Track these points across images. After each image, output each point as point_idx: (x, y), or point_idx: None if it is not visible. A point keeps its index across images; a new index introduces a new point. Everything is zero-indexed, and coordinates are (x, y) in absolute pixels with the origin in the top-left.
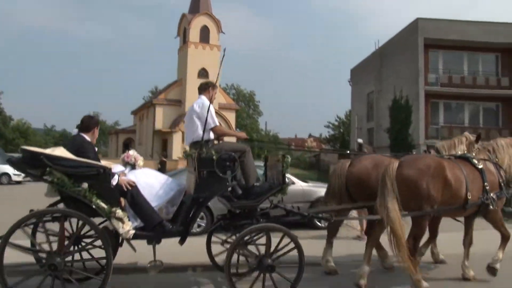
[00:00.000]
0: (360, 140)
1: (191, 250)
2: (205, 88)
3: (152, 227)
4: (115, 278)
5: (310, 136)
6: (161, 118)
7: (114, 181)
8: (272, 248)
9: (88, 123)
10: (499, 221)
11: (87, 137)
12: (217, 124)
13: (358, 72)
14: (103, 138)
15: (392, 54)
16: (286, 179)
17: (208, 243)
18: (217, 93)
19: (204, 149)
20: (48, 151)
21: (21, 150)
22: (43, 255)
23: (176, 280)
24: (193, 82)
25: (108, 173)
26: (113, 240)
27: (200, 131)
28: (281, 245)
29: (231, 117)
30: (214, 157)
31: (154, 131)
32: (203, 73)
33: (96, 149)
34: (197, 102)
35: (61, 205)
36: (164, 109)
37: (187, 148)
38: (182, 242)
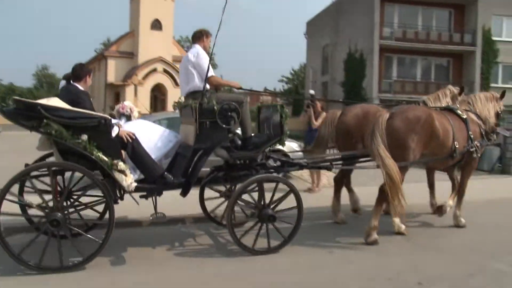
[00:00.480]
0: (311, 92)
1: (180, 202)
2: (199, 36)
3: (154, 180)
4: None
5: (265, 89)
6: (113, 71)
7: (113, 133)
8: (271, 199)
9: (79, 71)
10: (471, 173)
11: (80, 86)
12: (213, 74)
13: (314, 24)
14: (53, 91)
15: (348, 6)
16: (285, 129)
17: (201, 196)
18: (210, 41)
19: (206, 99)
20: (43, 101)
21: (14, 101)
22: (40, 212)
23: (169, 232)
24: (146, 34)
25: (109, 124)
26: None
27: (198, 81)
28: (277, 196)
29: None
30: (215, 107)
31: (106, 85)
32: (156, 24)
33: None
34: (192, 52)
35: (50, 159)
36: (116, 62)
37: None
38: (184, 194)
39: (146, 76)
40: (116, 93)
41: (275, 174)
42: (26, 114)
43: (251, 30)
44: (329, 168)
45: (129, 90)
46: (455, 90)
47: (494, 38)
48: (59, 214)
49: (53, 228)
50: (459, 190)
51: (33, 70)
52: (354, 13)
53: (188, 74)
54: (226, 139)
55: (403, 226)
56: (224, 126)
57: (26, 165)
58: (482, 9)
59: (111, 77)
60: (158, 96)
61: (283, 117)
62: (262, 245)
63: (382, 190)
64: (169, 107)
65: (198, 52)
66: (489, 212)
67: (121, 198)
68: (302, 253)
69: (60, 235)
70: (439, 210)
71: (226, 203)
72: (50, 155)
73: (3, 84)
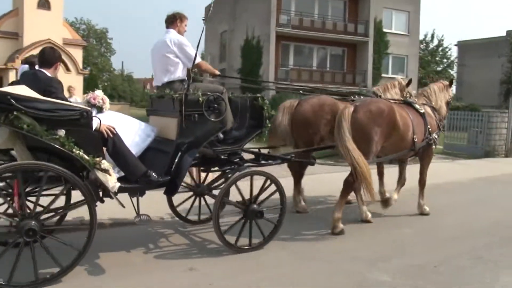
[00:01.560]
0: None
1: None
2: (172, 21)
3: (136, 178)
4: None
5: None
6: None
7: (94, 126)
8: (258, 195)
9: (50, 56)
10: (429, 163)
11: (48, 73)
12: (200, 59)
13: (212, 10)
14: None
15: None
16: (266, 122)
17: None
18: (185, 26)
19: (191, 90)
20: (8, 89)
21: None
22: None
23: (135, 232)
24: (31, 13)
25: (90, 117)
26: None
27: (180, 70)
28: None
29: (77, 54)
30: (201, 98)
31: None
32: (44, 3)
33: None
34: (170, 38)
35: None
36: None
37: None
38: (169, 193)
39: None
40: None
41: (260, 169)
42: None
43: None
44: (311, 163)
45: (12, 74)
46: (403, 81)
47: (384, 30)
48: (33, 221)
49: (29, 238)
50: (420, 181)
51: None
52: None
53: (167, 62)
54: (216, 133)
55: (369, 214)
56: (211, 119)
57: None
58: (374, 2)
59: None
60: None
61: (265, 109)
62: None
63: (347, 182)
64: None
65: (179, 39)
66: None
67: (102, 200)
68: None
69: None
70: (385, 202)
71: (192, 198)
72: None
73: None
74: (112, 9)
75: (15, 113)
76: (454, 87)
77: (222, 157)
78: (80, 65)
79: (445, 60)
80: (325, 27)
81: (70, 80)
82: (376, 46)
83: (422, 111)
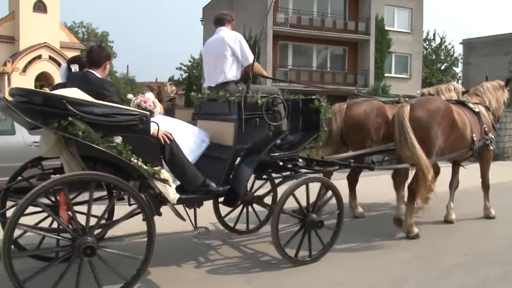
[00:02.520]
0: None
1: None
2: (229, 20)
3: (194, 188)
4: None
5: (170, 80)
6: None
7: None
8: (315, 203)
9: (98, 56)
10: (489, 164)
11: (98, 74)
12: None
13: (210, 10)
14: None
15: None
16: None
17: (215, 201)
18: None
19: (250, 92)
20: (62, 92)
21: (27, 93)
22: (63, 236)
23: (182, 244)
24: (28, 16)
25: (149, 123)
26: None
27: (235, 69)
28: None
29: None
30: (259, 101)
31: None
32: (40, 6)
33: None
34: (226, 35)
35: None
36: None
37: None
38: (230, 204)
39: (29, 63)
40: None
41: (318, 175)
42: (44, 110)
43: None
44: (371, 168)
45: (11, 79)
46: (460, 88)
47: (387, 28)
48: (89, 238)
49: (87, 256)
50: (483, 183)
51: None
52: None
53: (223, 61)
54: (277, 138)
55: (415, 230)
56: (271, 122)
57: (23, 169)
58: None
59: None
60: (45, 86)
61: (322, 112)
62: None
63: (410, 189)
64: None
65: (236, 36)
66: None
67: (160, 213)
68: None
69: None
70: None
71: (241, 208)
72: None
73: None
74: (114, 13)
75: (69, 118)
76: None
77: (280, 163)
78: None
79: (448, 59)
80: (325, 25)
81: None
82: (378, 45)
83: (476, 110)
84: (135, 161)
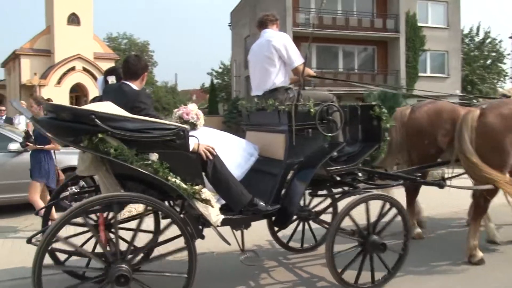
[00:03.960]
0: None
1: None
2: (272, 19)
3: (242, 208)
4: None
5: (201, 87)
6: (28, 70)
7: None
8: (376, 223)
9: (135, 66)
10: None
11: (135, 86)
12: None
13: (237, 14)
14: None
15: None
16: (384, 135)
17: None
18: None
19: (301, 99)
20: (92, 107)
21: (54, 108)
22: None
23: (229, 266)
24: (62, 30)
25: (187, 137)
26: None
27: (283, 74)
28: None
29: None
30: (312, 109)
31: (20, 85)
32: (73, 18)
33: None
34: (272, 37)
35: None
36: (31, 60)
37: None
38: (281, 224)
39: (63, 75)
40: (31, 94)
41: (379, 191)
42: (73, 126)
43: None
44: (441, 185)
45: (44, 91)
46: None
47: (419, 24)
48: (124, 265)
49: (119, 285)
50: None
51: None
52: None
53: (270, 66)
54: (333, 151)
55: (479, 254)
56: (325, 133)
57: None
58: None
59: (26, 77)
60: (81, 97)
61: (383, 120)
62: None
63: (477, 204)
64: None
65: (282, 37)
66: None
67: (203, 235)
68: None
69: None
70: None
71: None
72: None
73: None
74: (154, 23)
75: (99, 135)
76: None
77: (337, 178)
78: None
79: (493, 54)
80: (349, 24)
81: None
82: (411, 43)
83: None
84: (173, 180)
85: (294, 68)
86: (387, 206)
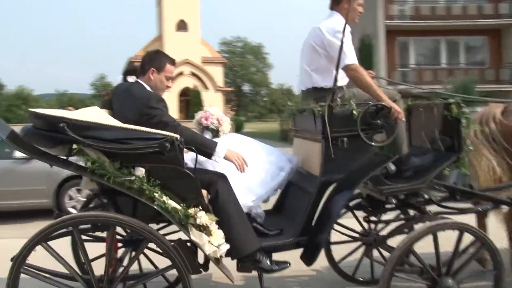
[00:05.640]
0: None
1: None
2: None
3: (242, 257)
4: None
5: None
6: None
7: (217, 157)
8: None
9: (143, 61)
10: None
11: (145, 84)
12: (356, 61)
13: None
14: None
15: None
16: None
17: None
18: (359, 7)
19: (338, 99)
20: (71, 114)
21: (32, 115)
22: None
23: None
24: (171, 37)
25: (177, 149)
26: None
27: (330, 73)
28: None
29: (217, 72)
30: (355, 111)
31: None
32: (182, 25)
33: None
34: (327, 23)
35: None
36: None
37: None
38: (307, 260)
39: (172, 80)
40: None
41: (454, 220)
42: (49, 135)
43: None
44: None
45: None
46: None
47: None
48: None
49: None
50: None
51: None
52: None
53: (313, 59)
54: (381, 165)
55: None
56: (372, 142)
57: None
58: None
59: None
60: (189, 100)
61: (463, 122)
62: None
63: None
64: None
65: (334, 24)
66: None
67: (205, 267)
68: None
69: None
70: None
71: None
72: None
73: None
74: (269, 26)
75: (74, 146)
76: None
77: (394, 200)
78: (220, 83)
79: None
80: (451, 13)
81: (209, 98)
82: None
83: None
84: (162, 199)
85: (344, 66)
86: (467, 237)
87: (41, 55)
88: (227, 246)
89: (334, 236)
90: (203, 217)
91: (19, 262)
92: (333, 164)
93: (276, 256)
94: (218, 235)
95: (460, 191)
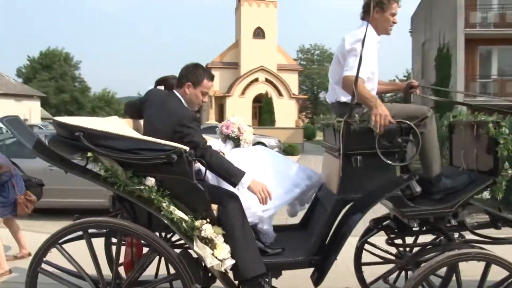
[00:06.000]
0: None
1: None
2: (366, 10)
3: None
4: None
5: None
6: (217, 82)
7: (243, 185)
8: None
9: (181, 75)
10: None
11: (181, 97)
12: (361, 75)
13: (416, 19)
14: None
15: None
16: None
17: (358, 258)
18: (394, 11)
19: (356, 115)
20: (89, 123)
21: (54, 123)
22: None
23: None
24: (248, 43)
25: (186, 161)
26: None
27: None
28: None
29: (292, 79)
30: (374, 128)
31: (210, 97)
32: (259, 33)
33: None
34: (350, 35)
35: None
36: (220, 73)
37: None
38: (317, 280)
39: (247, 86)
40: (219, 104)
41: (482, 249)
42: (71, 143)
43: None
44: None
45: (230, 102)
46: None
47: None
48: None
49: None
50: None
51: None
52: None
53: (336, 70)
54: (399, 186)
55: None
56: (389, 162)
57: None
58: None
59: (215, 88)
60: (263, 106)
61: (501, 144)
62: None
63: None
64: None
65: (359, 35)
66: None
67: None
68: None
69: None
70: None
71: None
72: None
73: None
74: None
75: (89, 154)
76: None
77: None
78: (295, 90)
79: None
80: None
81: (283, 105)
82: None
83: None
84: (169, 210)
85: (344, 76)
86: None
87: (125, 61)
88: (232, 261)
89: (366, 257)
90: (208, 230)
91: (35, 263)
92: (350, 183)
93: (288, 274)
94: (223, 249)
95: (503, 219)
